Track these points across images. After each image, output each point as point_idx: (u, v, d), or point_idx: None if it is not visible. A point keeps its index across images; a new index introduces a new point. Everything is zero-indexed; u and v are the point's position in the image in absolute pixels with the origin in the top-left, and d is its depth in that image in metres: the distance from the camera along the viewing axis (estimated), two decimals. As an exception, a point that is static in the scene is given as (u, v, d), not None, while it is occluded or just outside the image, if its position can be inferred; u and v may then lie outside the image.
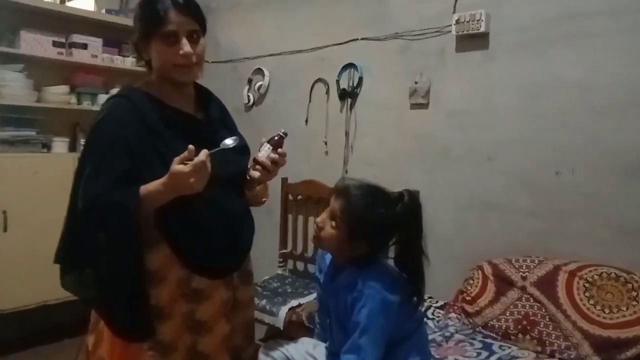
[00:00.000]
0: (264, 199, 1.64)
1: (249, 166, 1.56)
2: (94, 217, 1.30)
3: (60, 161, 2.94)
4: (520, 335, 2.03)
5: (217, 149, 1.35)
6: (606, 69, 2.07)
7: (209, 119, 1.55)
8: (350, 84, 2.88)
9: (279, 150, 1.52)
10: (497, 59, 2.35)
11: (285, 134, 1.52)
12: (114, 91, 3.20)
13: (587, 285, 1.97)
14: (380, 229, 1.50)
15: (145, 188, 1.30)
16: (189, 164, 1.25)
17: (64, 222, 1.41)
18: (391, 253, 1.58)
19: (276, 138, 1.51)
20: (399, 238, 1.53)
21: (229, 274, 1.50)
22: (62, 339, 2.95)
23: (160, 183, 1.29)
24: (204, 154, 1.27)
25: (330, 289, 1.62)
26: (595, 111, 2.10)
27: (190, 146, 1.26)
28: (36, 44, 2.94)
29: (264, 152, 1.50)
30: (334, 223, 1.51)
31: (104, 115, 1.38)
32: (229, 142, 1.38)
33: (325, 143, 3.02)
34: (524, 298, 2.09)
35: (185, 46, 1.37)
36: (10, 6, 2.80)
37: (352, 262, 1.53)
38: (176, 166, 1.26)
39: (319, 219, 1.56)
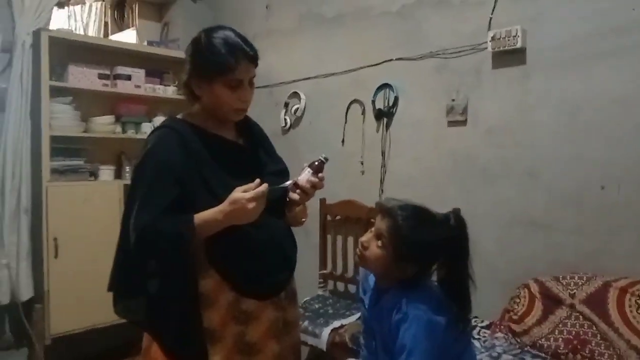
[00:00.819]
0: (303, 220, 1.67)
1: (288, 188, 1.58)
2: (148, 245, 1.34)
3: (107, 189, 3.06)
4: (570, 355, 1.97)
5: (277, 186, 1.42)
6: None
7: (249, 145, 1.59)
8: (386, 104, 2.90)
9: (319, 175, 1.54)
10: (534, 75, 2.33)
11: (326, 159, 1.55)
12: (157, 120, 3.33)
13: (639, 301, 1.90)
14: (427, 251, 1.47)
15: (200, 216, 1.34)
16: (251, 192, 1.31)
17: (115, 251, 1.45)
18: (435, 275, 1.56)
19: (317, 163, 1.54)
20: (445, 260, 1.50)
21: (276, 294, 1.52)
22: (111, 362, 3.02)
23: (218, 210, 1.34)
24: (264, 186, 1.33)
25: (374, 311, 1.61)
26: (639, 125, 2.05)
27: (257, 180, 1.34)
28: (83, 76, 3.08)
29: (305, 176, 1.53)
30: (380, 243, 1.48)
31: (152, 146, 1.43)
32: (288, 183, 1.48)
33: (362, 163, 3.03)
34: (573, 316, 2.03)
35: (249, 94, 1.45)
36: (59, 42, 2.95)
37: (397, 284, 1.52)
38: (237, 193, 1.32)
39: (364, 238, 1.53)
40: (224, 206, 1.33)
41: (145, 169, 1.41)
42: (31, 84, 2.85)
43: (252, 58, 1.44)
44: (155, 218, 1.33)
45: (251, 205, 1.31)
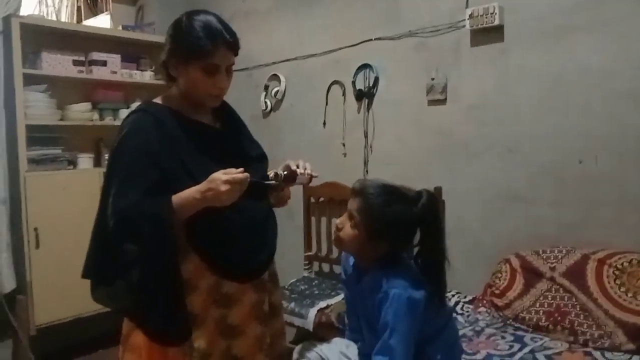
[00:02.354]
0: (288, 199, 1.69)
1: (272, 173, 1.58)
2: (127, 229, 1.32)
3: (86, 177, 3.01)
4: (551, 326, 2.02)
5: (257, 180, 1.43)
6: (628, 54, 2.05)
7: (227, 129, 1.59)
8: (367, 85, 2.89)
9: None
10: (513, 51, 2.35)
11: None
12: (134, 106, 3.27)
13: (617, 272, 1.95)
14: (398, 227, 1.49)
15: (178, 196, 1.34)
16: (228, 175, 1.31)
17: (91, 237, 1.44)
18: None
19: (287, 173, 1.56)
20: (420, 238, 1.53)
21: (257, 277, 1.53)
22: (97, 350, 3.01)
23: (196, 189, 1.33)
24: (244, 175, 1.33)
25: (356, 291, 1.63)
26: (618, 97, 2.08)
27: (241, 169, 1.34)
28: (57, 63, 3.01)
29: (301, 178, 1.57)
30: (352, 223, 1.52)
31: (128, 130, 1.41)
32: (271, 182, 1.51)
33: (344, 145, 3.04)
34: (553, 289, 2.08)
35: (224, 81, 1.44)
36: (31, 28, 2.88)
37: (376, 263, 1.54)
38: (217, 173, 1.31)
39: (338, 221, 1.57)
40: (201, 185, 1.33)
41: (123, 153, 1.39)
42: (3, 72, 2.78)
43: (232, 45, 1.42)
44: (134, 201, 1.32)
45: (224, 187, 1.30)
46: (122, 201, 1.33)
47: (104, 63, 3.18)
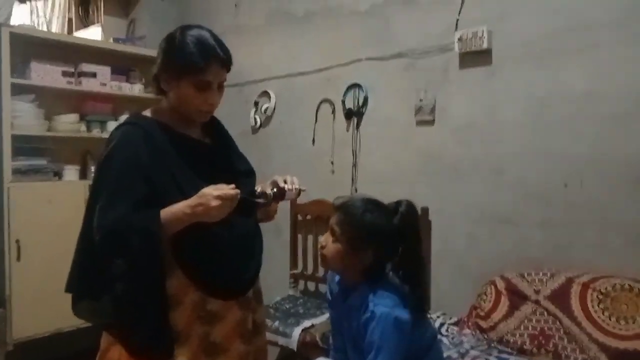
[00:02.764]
0: (275, 214, 1.68)
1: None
2: (115, 242, 1.30)
3: (71, 189, 2.98)
4: (535, 349, 2.02)
5: (247, 196, 1.41)
6: (612, 79, 2.08)
7: (217, 144, 1.58)
8: (356, 104, 2.91)
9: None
10: (500, 74, 2.38)
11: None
12: (123, 118, 3.26)
13: (601, 297, 1.96)
14: (378, 233, 1.49)
15: (167, 210, 1.32)
16: (219, 190, 1.30)
17: (75, 251, 1.42)
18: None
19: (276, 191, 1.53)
20: (400, 248, 1.53)
21: (243, 294, 1.51)
22: (75, 366, 2.96)
23: (186, 204, 1.32)
24: (236, 191, 1.32)
25: (342, 311, 1.62)
26: (603, 120, 2.11)
27: (233, 185, 1.33)
28: (46, 74, 3.00)
29: (289, 194, 1.54)
30: (334, 238, 1.52)
31: (116, 142, 1.39)
32: (260, 200, 1.48)
33: (332, 162, 3.04)
34: (538, 312, 2.08)
35: (215, 97, 1.44)
36: (21, 38, 2.87)
37: (362, 280, 1.54)
38: (208, 188, 1.31)
39: (321, 239, 1.58)
40: (191, 200, 1.32)
41: (111, 166, 1.37)
42: (-9, 81, 2.76)
43: (224, 62, 1.42)
44: (122, 215, 1.30)
45: (215, 203, 1.29)
46: (110, 214, 1.31)
47: (93, 75, 3.17)
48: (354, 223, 1.50)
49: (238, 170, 1.59)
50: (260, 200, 1.49)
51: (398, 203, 1.54)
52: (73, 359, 2.92)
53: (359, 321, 1.50)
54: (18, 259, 2.72)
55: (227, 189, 1.32)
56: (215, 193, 1.30)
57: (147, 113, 1.49)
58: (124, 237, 1.30)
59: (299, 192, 1.58)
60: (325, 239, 1.55)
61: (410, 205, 1.54)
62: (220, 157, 1.57)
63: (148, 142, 1.38)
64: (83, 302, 1.41)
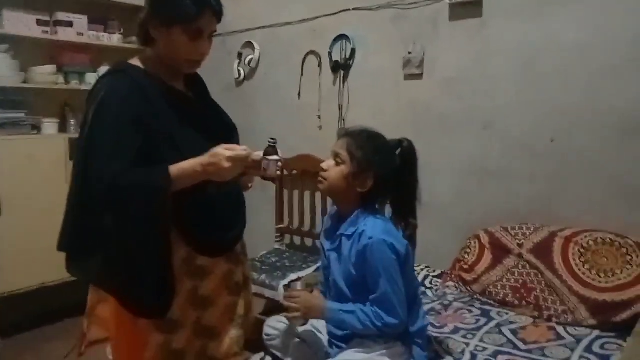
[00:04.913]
0: (250, 185, 1.65)
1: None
2: (119, 198, 1.26)
3: (51, 143, 2.91)
4: (517, 302, 2.06)
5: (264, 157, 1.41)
6: (603, 30, 2.05)
7: (198, 98, 1.55)
8: (343, 56, 2.85)
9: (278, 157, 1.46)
10: (491, 25, 2.33)
11: (275, 140, 1.46)
12: (103, 70, 3.16)
13: (582, 250, 2.00)
14: (383, 157, 1.57)
15: (177, 166, 1.29)
16: (231, 151, 1.29)
17: (66, 208, 1.36)
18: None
19: (270, 149, 1.44)
20: (397, 180, 1.60)
21: (231, 250, 1.52)
22: (62, 319, 2.98)
23: (198, 162, 1.30)
24: (248, 152, 1.33)
25: (333, 243, 1.65)
26: (593, 72, 2.09)
27: (245, 146, 1.34)
28: (20, 22, 2.87)
29: (272, 169, 1.44)
30: (338, 160, 1.59)
31: (106, 92, 1.32)
32: (274, 158, 1.42)
33: (319, 117, 3.00)
34: (520, 265, 2.12)
35: (207, 47, 1.40)
36: (-9, -16, 2.73)
37: (358, 207, 1.60)
38: (220, 148, 1.30)
39: (323, 164, 1.64)
40: (203, 158, 1.30)
41: (104, 117, 1.30)
42: (-39, 30, 2.64)
43: (217, 11, 1.39)
44: (124, 168, 1.26)
45: (227, 164, 1.28)
46: (111, 168, 1.25)
47: (69, 24, 3.04)
48: (361, 145, 1.58)
49: (227, 124, 1.57)
50: (275, 158, 1.44)
51: (400, 140, 1.64)
52: (59, 313, 2.96)
53: (351, 249, 1.55)
54: (0, 213, 2.67)
55: (239, 150, 1.32)
56: (228, 154, 1.29)
57: (134, 62, 1.43)
58: (128, 191, 1.26)
59: (270, 146, 1.51)
60: (327, 163, 1.62)
61: (411, 143, 1.65)
62: (209, 110, 1.55)
63: (139, 92, 1.33)
64: (79, 260, 1.37)
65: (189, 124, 1.40)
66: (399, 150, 1.62)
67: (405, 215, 1.62)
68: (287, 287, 1.59)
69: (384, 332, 1.51)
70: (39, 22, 2.95)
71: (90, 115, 1.31)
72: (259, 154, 1.45)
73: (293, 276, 2.53)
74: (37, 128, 2.97)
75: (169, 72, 1.43)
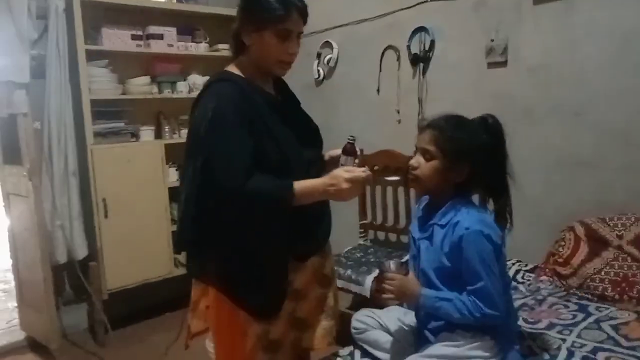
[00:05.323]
0: None
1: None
2: (246, 200, 1.34)
3: (148, 149, 3.12)
4: (618, 296, 1.95)
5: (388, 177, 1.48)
6: None
7: (286, 101, 1.61)
8: (422, 49, 2.81)
9: (356, 159, 1.50)
10: (580, 7, 2.21)
11: (354, 138, 1.51)
12: (192, 78, 3.35)
13: (691, 241, 1.85)
14: (474, 143, 1.51)
15: (300, 184, 1.37)
16: (350, 173, 1.37)
17: (184, 208, 1.42)
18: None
19: (348, 146, 1.50)
20: (487, 163, 1.54)
21: (322, 249, 1.63)
22: (164, 313, 3.19)
23: (319, 182, 1.39)
24: (367, 173, 1.39)
25: (423, 233, 1.63)
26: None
27: (366, 167, 1.43)
28: (116, 39, 3.08)
29: (348, 165, 1.48)
30: (428, 156, 1.54)
31: (219, 101, 1.38)
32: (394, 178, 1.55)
33: (398, 112, 2.99)
34: (620, 258, 2.00)
35: (296, 47, 1.46)
36: (91, 4, 2.96)
37: (452, 199, 1.55)
38: (339, 170, 1.39)
39: (412, 161, 1.58)
40: (324, 179, 1.39)
41: (223, 124, 1.36)
42: (67, 48, 2.88)
43: (303, 11, 1.45)
44: (249, 173, 1.33)
45: (346, 185, 1.35)
46: (236, 173, 1.33)
47: (160, 36, 3.23)
48: (450, 136, 1.52)
49: (315, 128, 1.63)
50: (395, 178, 1.51)
51: (483, 118, 1.58)
52: (161, 307, 3.17)
53: (444, 238, 1.52)
54: (105, 216, 2.90)
55: (359, 172, 1.38)
56: (347, 176, 1.36)
57: (233, 70, 1.50)
58: (257, 198, 1.34)
59: (349, 143, 1.52)
60: (416, 160, 1.56)
61: (495, 119, 1.58)
62: (299, 114, 1.62)
63: (246, 99, 1.41)
64: (200, 261, 1.49)
65: (290, 127, 1.48)
66: (486, 129, 1.56)
67: (500, 193, 1.57)
68: (381, 266, 1.58)
69: (482, 323, 1.47)
70: (133, 37, 3.16)
71: (207, 123, 1.36)
72: (337, 152, 1.50)
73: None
74: (135, 135, 3.19)
75: (262, 78, 1.51)
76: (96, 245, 2.90)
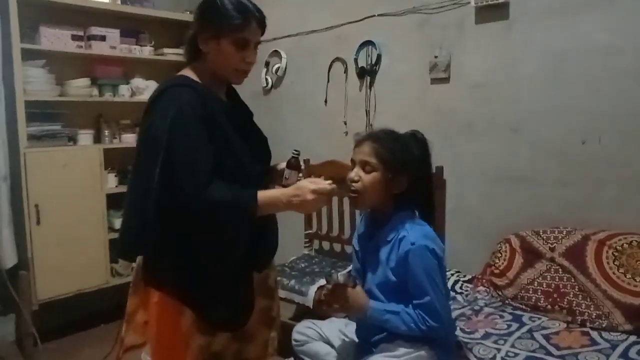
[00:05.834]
0: None
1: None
2: (207, 209, 1.30)
3: (87, 153, 3.00)
4: (549, 306, 2.03)
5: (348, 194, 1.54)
6: (634, 32, 2.02)
7: (240, 110, 1.61)
8: (369, 62, 2.86)
9: (299, 173, 1.54)
10: (518, 29, 2.31)
11: (298, 152, 1.54)
12: (135, 81, 3.27)
13: (616, 254, 1.96)
14: (411, 155, 1.56)
15: (262, 194, 1.36)
16: (315, 185, 1.36)
17: (128, 212, 1.41)
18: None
19: (292, 160, 1.52)
20: (416, 174, 1.59)
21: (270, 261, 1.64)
22: (98, 325, 3.06)
23: (282, 193, 1.38)
24: (332, 187, 1.38)
25: (368, 248, 1.66)
26: (622, 76, 2.05)
27: (330, 181, 1.41)
28: (56, 38, 2.96)
29: (292, 179, 1.51)
30: (368, 167, 1.56)
31: (179, 106, 1.34)
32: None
33: (345, 123, 3.01)
34: (552, 269, 2.08)
35: (253, 56, 1.46)
36: (29, 2, 2.83)
37: (394, 212, 1.59)
38: (305, 181, 1.39)
39: (351, 175, 1.59)
40: (288, 190, 1.38)
41: (184, 129, 1.32)
42: (1, 47, 2.74)
43: (261, 22, 1.46)
44: (211, 181, 1.31)
45: (311, 196, 1.35)
46: (197, 180, 1.30)
47: (102, 38, 3.13)
48: (390, 148, 1.55)
49: (264, 139, 1.63)
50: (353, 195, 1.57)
51: (412, 133, 1.63)
52: (95, 318, 3.04)
53: (390, 254, 1.55)
54: (38, 222, 2.76)
55: (324, 184, 1.38)
56: (312, 187, 1.36)
57: (189, 75, 1.47)
58: (219, 206, 1.31)
59: (293, 157, 1.55)
60: (356, 173, 1.57)
61: (422, 135, 1.64)
62: (250, 122, 1.62)
63: (205, 105, 1.38)
64: (156, 265, 1.42)
65: (243, 135, 1.47)
66: (416, 144, 1.61)
67: (430, 208, 1.65)
68: (328, 277, 1.57)
69: (427, 335, 1.51)
70: (74, 37, 3.04)
71: (167, 128, 1.32)
72: (282, 165, 1.51)
73: (322, 281, 2.54)
74: (72, 139, 3.06)
75: (217, 85, 1.50)
76: (27, 253, 2.75)
